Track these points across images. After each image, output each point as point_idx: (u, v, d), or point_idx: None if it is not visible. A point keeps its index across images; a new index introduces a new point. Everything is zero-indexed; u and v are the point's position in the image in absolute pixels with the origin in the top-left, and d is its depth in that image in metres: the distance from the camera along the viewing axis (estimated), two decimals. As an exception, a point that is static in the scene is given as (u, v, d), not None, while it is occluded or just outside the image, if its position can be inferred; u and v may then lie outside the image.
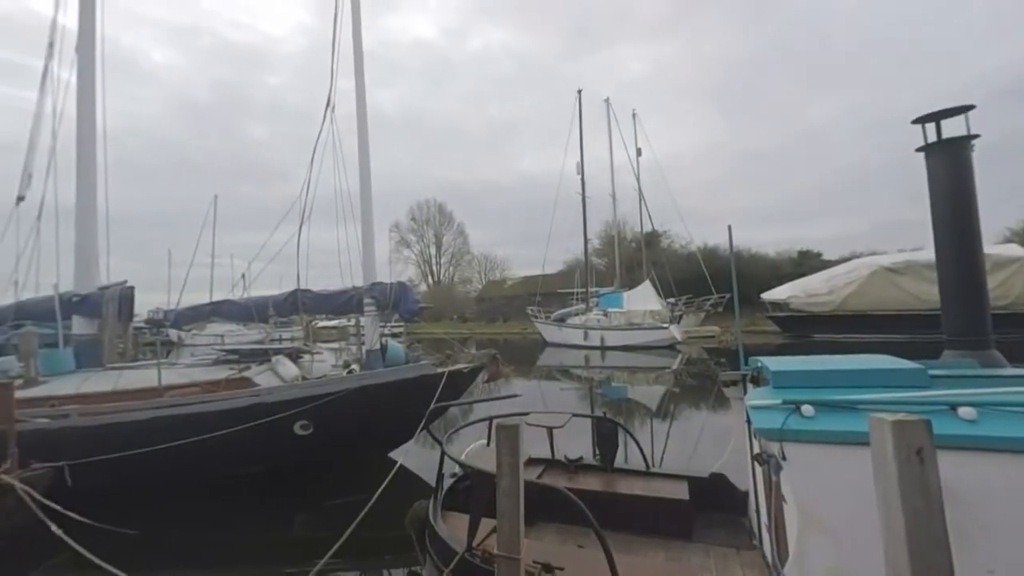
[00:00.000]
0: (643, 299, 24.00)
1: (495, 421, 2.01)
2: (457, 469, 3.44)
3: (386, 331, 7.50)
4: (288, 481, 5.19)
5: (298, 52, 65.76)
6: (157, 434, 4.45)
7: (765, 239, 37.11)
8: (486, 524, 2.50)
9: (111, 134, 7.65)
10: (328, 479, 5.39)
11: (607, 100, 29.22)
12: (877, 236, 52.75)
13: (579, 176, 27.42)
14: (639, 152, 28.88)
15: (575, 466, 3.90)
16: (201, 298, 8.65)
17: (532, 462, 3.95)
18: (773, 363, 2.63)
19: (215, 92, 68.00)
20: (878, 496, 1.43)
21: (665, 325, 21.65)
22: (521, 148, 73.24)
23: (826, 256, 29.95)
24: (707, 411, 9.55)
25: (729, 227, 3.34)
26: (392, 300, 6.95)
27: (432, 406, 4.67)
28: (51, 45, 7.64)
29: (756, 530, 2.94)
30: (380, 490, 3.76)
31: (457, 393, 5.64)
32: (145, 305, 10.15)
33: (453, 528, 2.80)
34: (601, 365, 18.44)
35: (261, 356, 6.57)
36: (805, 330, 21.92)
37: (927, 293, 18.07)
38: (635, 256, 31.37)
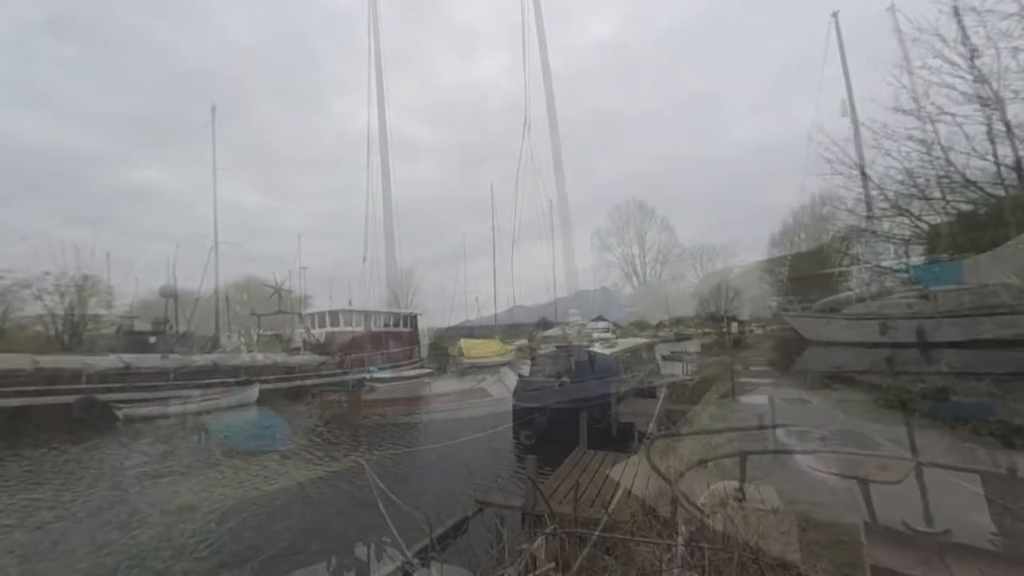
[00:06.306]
0: (1011, 265, 14.83)
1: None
2: None
3: (595, 338, 7.55)
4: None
5: (506, 97, 73.60)
6: (430, 435, 5.86)
7: None
8: None
9: (401, 204, 11.01)
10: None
11: (893, 6, 20.00)
12: None
13: (847, 118, 19.96)
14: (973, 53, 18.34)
15: (936, 543, 2.51)
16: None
17: (839, 529, 2.72)
18: None
19: (459, 152, 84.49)
20: None
21: None
22: (729, 116, 61.70)
23: None
24: None
25: None
26: (598, 306, 6.93)
27: (655, 435, 4.21)
28: (368, 140, 11.62)
29: None
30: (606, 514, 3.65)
31: (680, 407, 5.06)
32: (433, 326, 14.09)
33: None
34: (925, 370, 12.26)
35: (491, 368, 7.79)
36: None
37: None
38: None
